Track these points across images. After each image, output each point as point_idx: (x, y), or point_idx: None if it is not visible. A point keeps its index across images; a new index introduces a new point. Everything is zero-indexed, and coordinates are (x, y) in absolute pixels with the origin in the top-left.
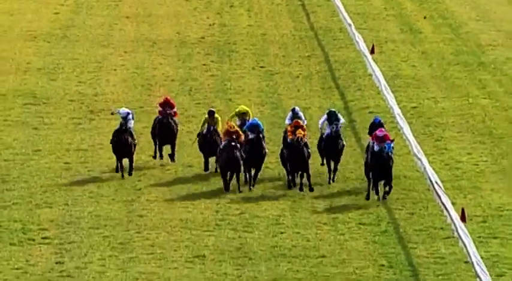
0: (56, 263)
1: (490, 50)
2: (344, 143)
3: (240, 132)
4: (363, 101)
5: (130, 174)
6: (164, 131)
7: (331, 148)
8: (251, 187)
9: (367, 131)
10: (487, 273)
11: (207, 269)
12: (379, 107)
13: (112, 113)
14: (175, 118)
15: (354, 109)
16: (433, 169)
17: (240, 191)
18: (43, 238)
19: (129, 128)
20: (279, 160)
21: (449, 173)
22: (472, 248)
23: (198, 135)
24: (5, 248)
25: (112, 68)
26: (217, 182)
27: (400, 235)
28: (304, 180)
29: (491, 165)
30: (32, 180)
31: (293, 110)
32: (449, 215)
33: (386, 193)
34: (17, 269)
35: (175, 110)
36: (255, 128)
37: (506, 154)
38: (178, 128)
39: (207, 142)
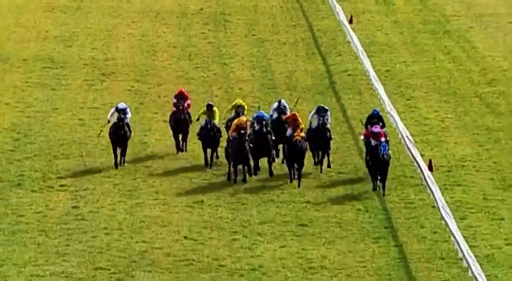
0: (72, 207)
1: (455, 19)
2: (332, 136)
3: (249, 123)
4: (342, 65)
5: (122, 162)
6: (178, 124)
7: (318, 139)
8: (272, 175)
9: (365, 121)
10: (452, 216)
11: (205, 213)
12: (356, 70)
13: (108, 121)
14: (188, 111)
15: (334, 72)
16: (404, 124)
17: (246, 181)
18: (61, 186)
19: (126, 121)
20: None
21: (418, 129)
22: (438, 195)
23: (200, 129)
24: (27, 195)
25: (121, 36)
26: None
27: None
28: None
29: (455, 121)
30: (51, 134)
31: (279, 102)
32: (418, 165)
33: (383, 187)
34: (37, 213)
35: (189, 102)
36: (261, 119)
37: (468, 112)
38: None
39: (207, 135)
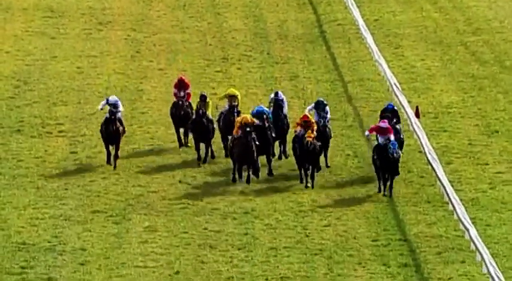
0: (71, 153)
1: None
2: (331, 134)
3: (254, 120)
4: (332, 14)
5: (115, 158)
6: (180, 116)
7: (318, 138)
8: (270, 175)
9: (379, 114)
10: (438, 161)
11: None
12: (346, 20)
13: (101, 109)
14: (189, 102)
15: (324, 22)
16: (392, 72)
17: (249, 183)
18: (59, 132)
19: (119, 115)
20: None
21: (405, 76)
22: (425, 140)
23: (191, 121)
24: (27, 140)
25: None
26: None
27: (364, 129)
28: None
29: (441, 69)
30: (50, 82)
31: (276, 93)
32: (406, 112)
33: (390, 187)
34: (37, 158)
35: (189, 91)
36: (261, 115)
37: (454, 60)
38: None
39: (199, 127)
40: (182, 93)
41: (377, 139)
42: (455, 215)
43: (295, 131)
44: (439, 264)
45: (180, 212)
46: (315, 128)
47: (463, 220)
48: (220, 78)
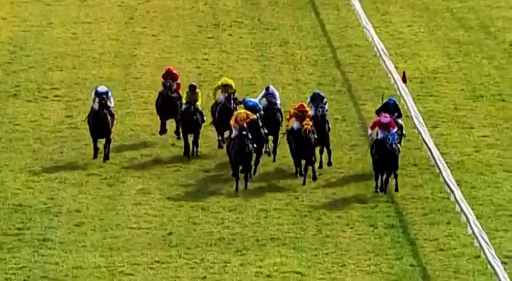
0: (66, 117)
1: None
2: (329, 126)
3: (252, 115)
4: None
5: (107, 158)
6: (167, 107)
7: (317, 131)
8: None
9: (377, 110)
10: (424, 125)
11: None
12: None
13: (94, 105)
14: (179, 93)
15: None
16: (380, 38)
17: (246, 188)
18: (55, 96)
19: (109, 106)
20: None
21: (392, 42)
22: (411, 104)
23: (180, 114)
24: (23, 105)
25: None
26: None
27: (352, 93)
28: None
29: (427, 35)
30: (45, 47)
31: (267, 88)
32: (393, 77)
33: (396, 186)
34: (33, 122)
35: (178, 81)
36: (253, 110)
37: (440, 26)
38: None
39: (188, 120)
40: (170, 84)
41: (377, 134)
42: (441, 178)
43: (288, 126)
44: (425, 225)
45: (172, 174)
46: (310, 113)
47: (448, 182)
48: (212, 44)
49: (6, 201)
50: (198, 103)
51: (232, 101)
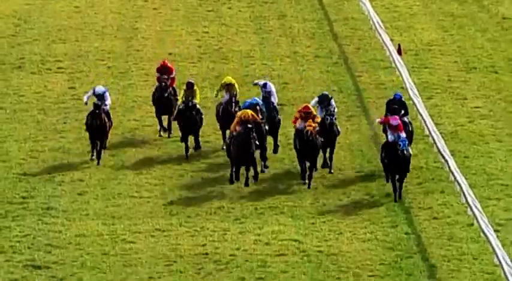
0: (69, 88)
1: None
2: (339, 129)
3: (257, 117)
4: None
5: (98, 158)
6: (163, 103)
7: (324, 136)
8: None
9: (385, 105)
10: (419, 96)
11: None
12: None
13: (86, 104)
14: (173, 87)
15: None
16: (375, 11)
17: (247, 185)
18: (58, 68)
19: (106, 108)
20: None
21: (388, 15)
22: (406, 76)
23: (178, 110)
24: (27, 77)
25: None
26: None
27: (348, 66)
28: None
29: (422, 8)
30: (49, 20)
31: (264, 85)
32: (388, 49)
33: (400, 188)
34: (37, 93)
35: (173, 76)
36: (254, 107)
37: (435, 0)
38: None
39: (186, 118)
40: (165, 77)
41: (386, 136)
42: (435, 148)
43: (295, 126)
44: (419, 194)
45: (173, 144)
46: (318, 119)
47: (442, 152)
48: (211, 18)
49: (10, 170)
50: (197, 100)
51: (234, 104)
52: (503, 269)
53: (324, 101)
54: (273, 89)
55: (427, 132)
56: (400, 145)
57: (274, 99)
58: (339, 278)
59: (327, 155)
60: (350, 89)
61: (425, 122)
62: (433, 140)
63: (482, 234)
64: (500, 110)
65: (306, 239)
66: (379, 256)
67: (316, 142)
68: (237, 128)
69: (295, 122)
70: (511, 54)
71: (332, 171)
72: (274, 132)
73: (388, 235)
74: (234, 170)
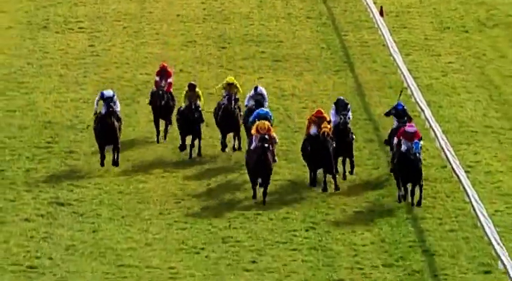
0: (89, 46)
1: None
2: (353, 136)
3: (272, 131)
4: None
5: (116, 164)
6: (161, 107)
7: (339, 141)
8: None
9: (387, 112)
10: (398, 53)
11: (197, 51)
12: None
13: (95, 113)
14: (171, 92)
15: None
16: None
17: (264, 204)
18: (79, 28)
19: (116, 110)
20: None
21: None
22: (387, 35)
23: (178, 110)
24: (52, 36)
25: None
26: None
27: (336, 25)
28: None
29: None
30: None
31: (255, 88)
32: (372, 11)
33: (419, 199)
34: (60, 50)
35: (170, 80)
36: (263, 118)
37: None
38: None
39: (186, 119)
40: (163, 83)
41: (400, 145)
42: (413, 99)
43: (308, 131)
44: None
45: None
46: (329, 120)
47: (419, 102)
48: None
49: (37, 118)
50: (201, 102)
51: (233, 103)
52: (472, 206)
53: (340, 107)
54: (265, 92)
55: (405, 85)
56: (412, 148)
57: (266, 103)
58: (328, 214)
59: (347, 167)
60: (337, 47)
61: (404, 75)
62: (411, 91)
63: (454, 175)
64: (470, 65)
65: (298, 179)
66: (363, 195)
67: (328, 145)
68: (257, 135)
69: (308, 128)
70: (480, 16)
71: (345, 178)
72: None
73: (370, 175)
74: (253, 185)
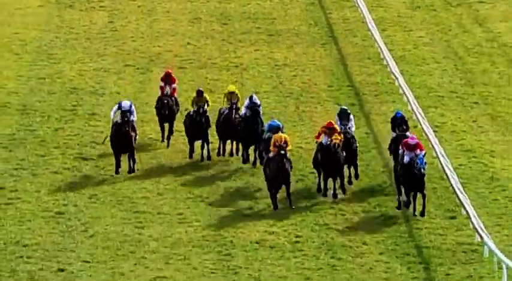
0: (109, 22)
1: None
2: (357, 144)
3: (288, 141)
4: None
5: (132, 171)
6: (165, 112)
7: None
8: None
9: (390, 126)
10: (376, 28)
11: (202, 26)
12: None
13: (113, 121)
14: (175, 97)
15: None
16: None
17: (293, 208)
18: (100, 7)
19: (132, 120)
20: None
21: None
22: (366, 13)
23: (187, 115)
24: (76, 13)
25: None
26: None
27: (322, 4)
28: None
29: None
30: None
31: (251, 97)
32: None
33: (423, 208)
34: (83, 26)
35: (174, 86)
36: (275, 129)
37: None
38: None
39: (194, 123)
40: (168, 88)
41: (403, 157)
42: (388, 68)
43: (318, 141)
44: (376, 103)
45: (188, 65)
46: (341, 137)
47: (394, 71)
48: None
49: (64, 85)
50: (209, 108)
51: (234, 112)
52: (439, 160)
53: (343, 118)
54: (258, 101)
55: (382, 56)
56: (417, 163)
57: (260, 108)
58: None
59: (352, 172)
60: (323, 23)
61: (380, 48)
62: (387, 62)
63: (423, 134)
64: (438, 39)
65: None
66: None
67: (341, 156)
68: (272, 149)
69: (318, 138)
70: None
71: (351, 184)
72: (258, 144)
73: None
74: (272, 195)
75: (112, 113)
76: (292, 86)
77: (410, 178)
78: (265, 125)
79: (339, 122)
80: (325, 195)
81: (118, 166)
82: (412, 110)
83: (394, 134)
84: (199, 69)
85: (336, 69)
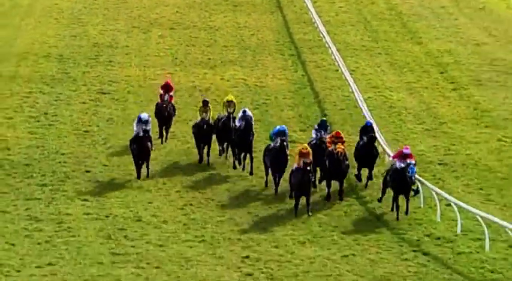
0: None
1: None
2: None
3: (310, 153)
4: None
5: (148, 175)
6: (163, 116)
7: (315, 154)
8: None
9: (358, 134)
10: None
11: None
12: None
13: (137, 133)
14: (172, 103)
15: None
16: None
17: (310, 215)
18: None
19: (149, 133)
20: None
21: None
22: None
23: (194, 125)
24: None
25: None
26: None
27: None
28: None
29: None
30: None
31: (244, 111)
32: None
33: (406, 209)
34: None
35: (171, 94)
36: (282, 134)
37: None
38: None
39: (201, 130)
40: (166, 96)
41: (395, 165)
42: (318, 29)
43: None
44: (309, 54)
45: (177, 27)
46: (345, 141)
47: (322, 31)
48: None
49: (89, 41)
50: (210, 116)
51: (231, 120)
52: (354, 95)
53: (322, 127)
54: (251, 113)
55: (313, 21)
56: (409, 172)
57: (252, 120)
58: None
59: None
60: (298, 3)
61: (312, 15)
62: (317, 25)
63: (343, 75)
64: (353, 9)
65: None
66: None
67: (342, 162)
68: (300, 162)
69: (328, 146)
70: None
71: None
72: (250, 154)
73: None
74: (295, 203)
75: (135, 124)
76: (250, 42)
77: (401, 181)
78: (271, 131)
79: (316, 131)
80: (328, 199)
81: (139, 172)
82: (335, 59)
83: (361, 142)
84: (185, 29)
85: (281, 30)
